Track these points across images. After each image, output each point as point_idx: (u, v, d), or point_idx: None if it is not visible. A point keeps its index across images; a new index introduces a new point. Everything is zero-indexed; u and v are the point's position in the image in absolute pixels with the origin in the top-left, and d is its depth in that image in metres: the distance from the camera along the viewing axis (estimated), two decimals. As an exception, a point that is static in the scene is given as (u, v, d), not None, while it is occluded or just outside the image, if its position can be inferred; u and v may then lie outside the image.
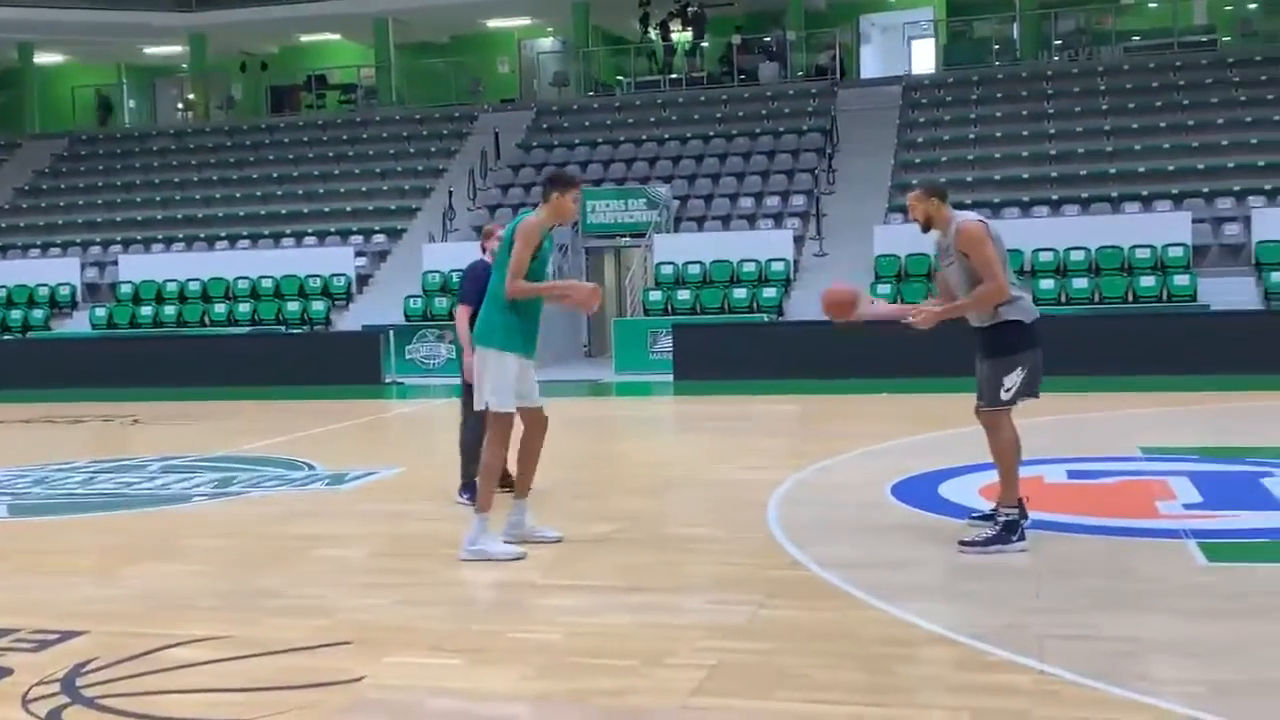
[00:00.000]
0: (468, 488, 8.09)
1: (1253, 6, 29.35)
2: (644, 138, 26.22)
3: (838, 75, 27.62)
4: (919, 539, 6.75)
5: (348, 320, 22.69)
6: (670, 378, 18.22)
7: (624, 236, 22.86)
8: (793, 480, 8.82)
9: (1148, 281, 19.23)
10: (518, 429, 6.76)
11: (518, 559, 6.47)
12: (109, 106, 33.69)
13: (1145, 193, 21.67)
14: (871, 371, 16.25)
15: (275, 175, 27.93)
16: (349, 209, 26.22)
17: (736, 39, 29.04)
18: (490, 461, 6.64)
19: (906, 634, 5.03)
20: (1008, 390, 6.34)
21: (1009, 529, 6.35)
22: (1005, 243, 6.55)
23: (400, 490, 9.05)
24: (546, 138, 27.24)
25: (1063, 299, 19.37)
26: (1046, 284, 19.53)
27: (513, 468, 7.08)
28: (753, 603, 5.53)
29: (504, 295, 6.51)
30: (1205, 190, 21.51)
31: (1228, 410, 12.78)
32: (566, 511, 7.57)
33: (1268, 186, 21.24)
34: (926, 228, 6.56)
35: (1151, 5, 29.01)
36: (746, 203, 23.65)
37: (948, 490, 8.13)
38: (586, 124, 27.52)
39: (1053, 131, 24.07)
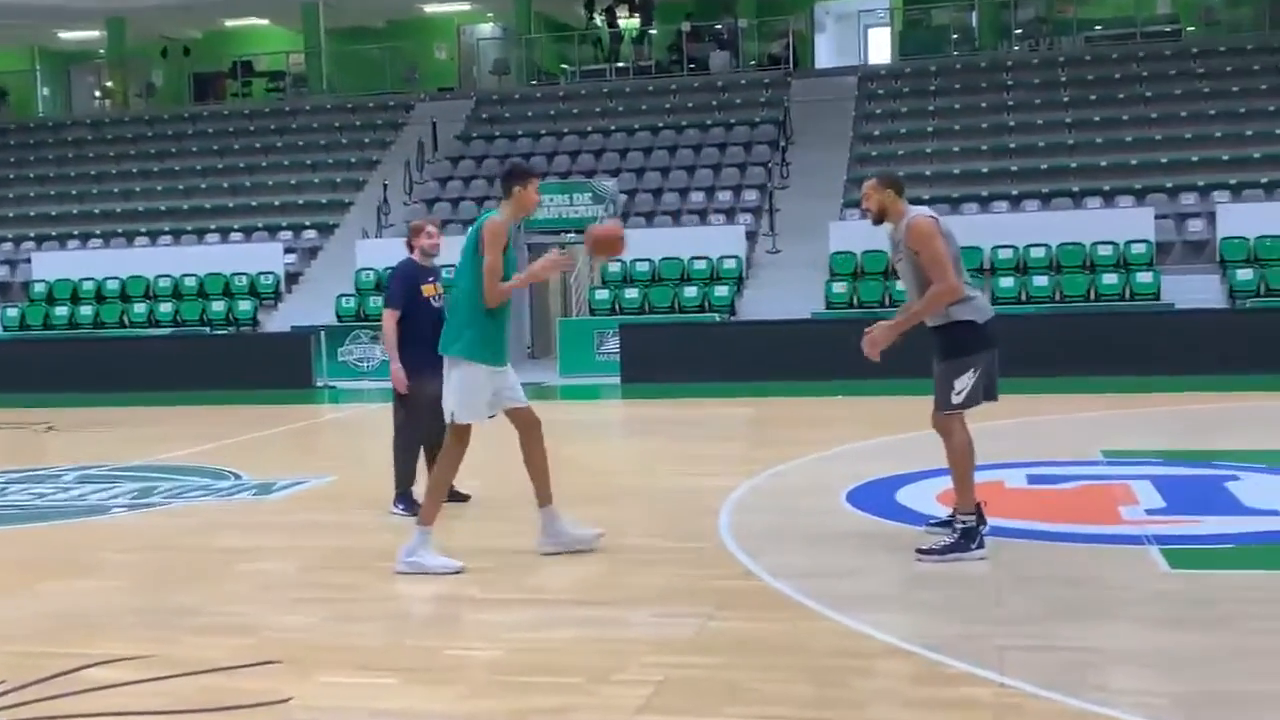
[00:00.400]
0: (403, 498, 8.04)
1: (1216, -5, 29.38)
2: (589, 129, 25.80)
3: (791, 65, 27.41)
4: (875, 547, 6.76)
5: (276, 321, 22.26)
6: (617, 380, 18.06)
7: (569, 233, 22.21)
8: (746, 486, 8.81)
9: (1110, 279, 19.18)
10: (510, 439, 6.70)
11: (457, 573, 6.34)
12: (3, 93, 32.69)
13: (1107, 187, 21.54)
14: (826, 373, 15.99)
15: (199, 167, 27.37)
16: (277, 203, 25.73)
17: (686, 26, 28.76)
18: (440, 474, 6.57)
19: (860, 646, 5.02)
20: (958, 393, 6.33)
21: (967, 536, 6.33)
22: (963, 239, 6.54)
23: (332, 500, 8.96)
24: (487, 128, 26.81)
25: (1023, 297, 19.27)
26: (1006, 282, 19.41)
27: (467, 482, 6.80)
28: (702, 615, 5.49)
29: (480, 303, 6.41)
30: (1169, 185, 21.44)
31: (1192, 412, 12.82)
32: (509, 520, 7.51)
33: (1232, 181, 21.15)
34: (879, 219, 6.53)
35: (1113, -7, 29.00)
36: (697, 197, 23.29)
37: (905, 496, 8.12)
38: (529, 114, 27.13)
39: (1012, 124, 23.90)
